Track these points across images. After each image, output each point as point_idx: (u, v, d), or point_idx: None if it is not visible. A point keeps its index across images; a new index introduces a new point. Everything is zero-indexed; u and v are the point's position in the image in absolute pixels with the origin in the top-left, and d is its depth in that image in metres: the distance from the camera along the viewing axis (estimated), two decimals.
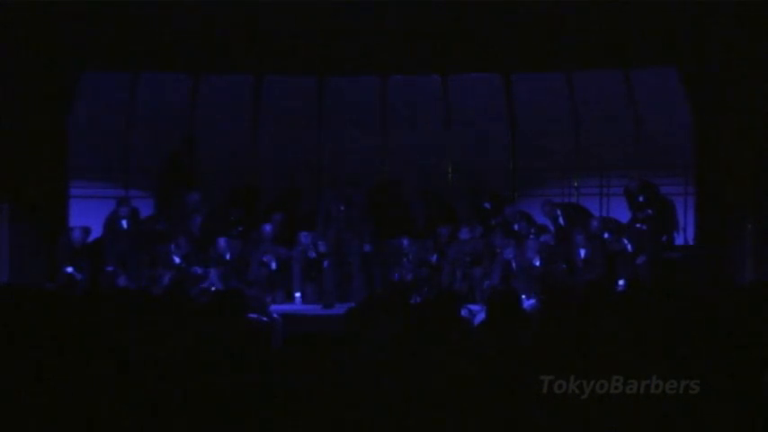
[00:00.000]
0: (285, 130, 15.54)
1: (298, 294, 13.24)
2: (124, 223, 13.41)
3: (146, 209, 14.59)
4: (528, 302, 11.39)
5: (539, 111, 15.36)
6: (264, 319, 7.89)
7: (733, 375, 4.95)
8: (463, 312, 7.80)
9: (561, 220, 14.07)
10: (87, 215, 14.07)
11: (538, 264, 12.93)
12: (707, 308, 6.45)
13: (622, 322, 6.00)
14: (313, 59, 14.81)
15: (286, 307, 12.50)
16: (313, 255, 13.21)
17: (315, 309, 12.64)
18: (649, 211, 13.76)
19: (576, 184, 15.27)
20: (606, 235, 13.52)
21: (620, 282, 12.75)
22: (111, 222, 13.44)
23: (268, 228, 13.50)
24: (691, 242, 14.18)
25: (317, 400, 4.67)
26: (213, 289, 12.41)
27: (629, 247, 13.30)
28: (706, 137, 14.04)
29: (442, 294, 7.05)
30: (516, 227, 13.84)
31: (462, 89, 15.50)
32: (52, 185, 14.05)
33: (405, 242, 13.40)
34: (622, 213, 14.29)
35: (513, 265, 12.95)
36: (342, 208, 12.91)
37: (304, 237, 13.34)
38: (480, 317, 8.71)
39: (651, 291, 6.99)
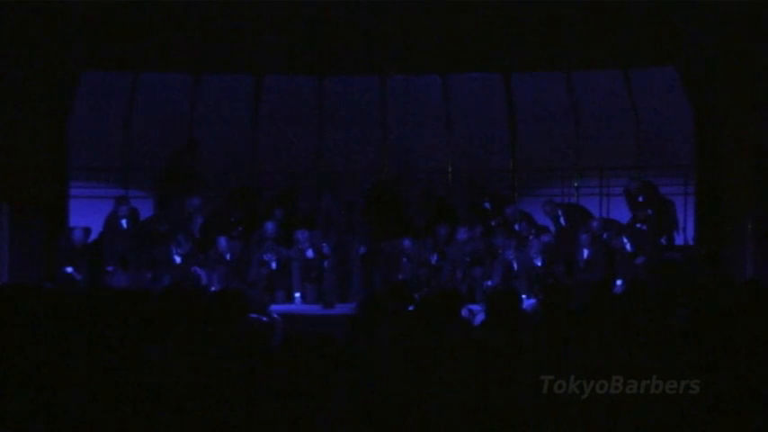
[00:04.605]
0: (285, 130, 15.54)
1: (298, 294, 13.24)
2: (124, 223, 13.42)
3: (146, 209, 14.59)
4: (528, 302, 11.39)
5: (539, 111, 15.36)
6: (264, 319, 7.89)
7: (733, 375, 4.95)
8: (463, 312, 7.79)
9: (562, 220, 14.07)
10: (87, 215, 14.07)
11: (539, 264, 12.94)
12: (707, 308, 6.45)
13: (622, 322, 6.00)
14: (313, 59, 14.81)
15: (286, 307, 12.50)
16: (311, 254, 13.21)
17: (315, 309, 12.65)
18: (649, 211, 13.77)
19: (576, 184, 15.27)
20: (605, 235, 13.54)
21: (618, 282, 12.76)
22: (111, 222, 13.44)
23: (270, 226, 13.49)
24: (691, 242, 14.19)
25: (317, 400, 4.67)
26: (213, 289, 12.40)
27: (629, 246, 13.31)
28: (706, 137, 14.04)
29: (444, 293, 7.05)
30: (517, 227, 13.85)
31: (462, 89, 15.50)
32: (52, 185, 14.05)
33: (405, 242, 13.40)
34: (622, 213, 14.29)
35: (514, 265, 12.95)
36: (342, 212, 13.01)
37: (301, 235, 13.33)
38: (480, 317, 8.71)
39: (651, 291, 6.99)
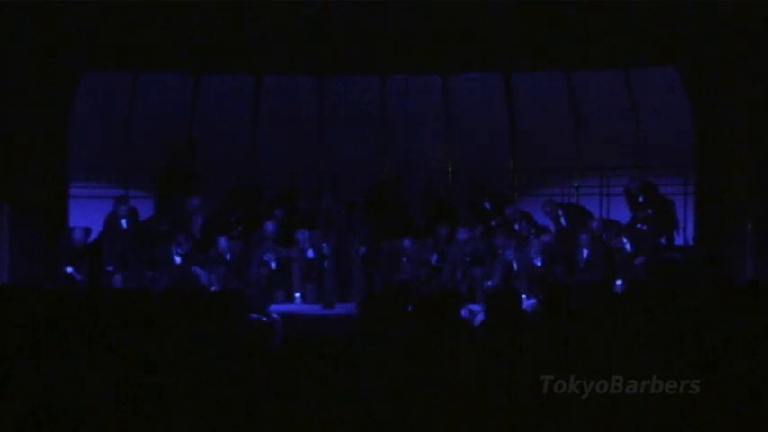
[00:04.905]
0: (285, 130, 15.54)
1: (298, 294, 13.24)
2: (124, 223, 13.42)
3: (146, 209, 14.59)
4: (528, 302, 11.39)
5: (539, 111, 15.36)
6: (264, 319, 7.89)
7: (733, 375, 4.95)
8: (463, 312, 7.79)
9: (563, 220, 14.07)
10: (87, 215, 14.07)
11: (539, 264, 12.94)
12: (707, 308, 6.45)
13: (622, 322, 6.00)
14: (313, 59, 14.81)
15: (286, 307, 12.50)
16: (311, 254, 13.21)
17: (315, 309, 12.65)
18: (649, 211, 13.77)
19: (576, 184, 15.27)
20: (605, 236, 13.55)
21: (618, 282, 12.77)
22: (111, 222, 13.44)
23: (270, 226, 13.49)
24: (691, 242, 14.19)
25: (317, 400, 4.67)
26: (213, 289, 12.40)
27: (629, 246, 13.31)
28: (706, 137, 14.04)
29: (444, 293, 7.05)
30: (517, 227, 13.85)
31: (462, 89, 15.50)
32: (52, 185, 14.05)
33: (405, 242, 13.40)
34: (622, 213, 14.29)
35: (514, 265, 12.95)
36: (342, 212, 13.02)
37: (302, 235, 13.33)
38: (480, 317, 8.71)
39: (651, 291, 6.99)
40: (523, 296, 12.03)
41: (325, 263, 13.05)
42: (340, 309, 12.37)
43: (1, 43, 13.19)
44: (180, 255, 13.09)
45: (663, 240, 13.93)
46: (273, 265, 13.28)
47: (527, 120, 15.41)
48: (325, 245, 13.15)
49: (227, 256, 13.24)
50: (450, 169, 15.54)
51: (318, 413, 4.61)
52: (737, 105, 13.33)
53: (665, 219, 14.04)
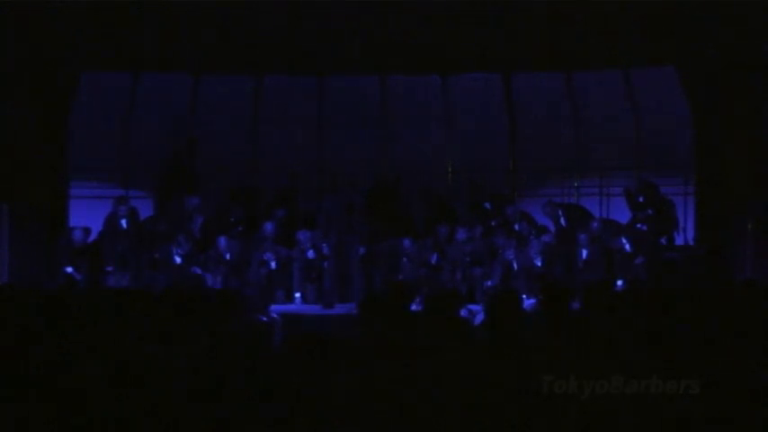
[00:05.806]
0: (285, 129, 15.54)
1: (298, 294, 13.25)
2: (124, 223, 13.42)
3: (146, 209, 14.60)
4: (528, 302, 11.40)
5: (539, 111, 15.36)
6: (264, 319, 7.89)
7: (733, 375, 4.95)
8: (463, 312, 7.79)
9: (563, 221, 14.07)
10: (87, 215, 14.08)
11: (539, 264, 12.95)
12: (707, 308, 6.45)
13: (622, 322, 6.00)
14: (313, 59, 14.81)
15: (286, 307, 12.50)
16: (311, 254, 13.22)
17: (315, 309, 12.66)
18: (649, 211, 13.77)
19: (576, 184, 15.27)
20: (603, 236, 13.57)
21: (619, 282, 12.77)
22: (111, 222, 13.44)
23: (269, 226, 13.51)
24: (691, 242, 14.19)
25: (317, 400, 4.67)
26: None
27: (629, 246, 13.31)
28: (706, 137, 14.05)
29: (444, 293, 7.05)
30: (517, 227, 13.86)
31: (462, 89, 15.50)
32: (52, 185, 14.05)
33: (405, 242, 13.40)
34: (622, 213, 14.29)
35: (514, 265, 12.96)
36: (342, 212, 13.02)
37: (303, 235, 13.35)
38: (480, 317, 8.71)
39: (651, 291, 6.99)
40: (523, 296, 12.04)
41: (326, 263, 13.05)
42: (340, 309, 12.37)
43: (1, 43, 13.19)
44: (180, 255, 13.09)
45: (663, 240, 13.93)
46: (273, 265, 13.29)
47: (527, 120, 15.41)
48: (325, 245, 13.15)
49: (227, 256, 13.24)
50: (450, 169, 15.54)
51: (318, 413, 4.61)
52: (737, 105, 13.34)
53: (665, 219, 14.04)
